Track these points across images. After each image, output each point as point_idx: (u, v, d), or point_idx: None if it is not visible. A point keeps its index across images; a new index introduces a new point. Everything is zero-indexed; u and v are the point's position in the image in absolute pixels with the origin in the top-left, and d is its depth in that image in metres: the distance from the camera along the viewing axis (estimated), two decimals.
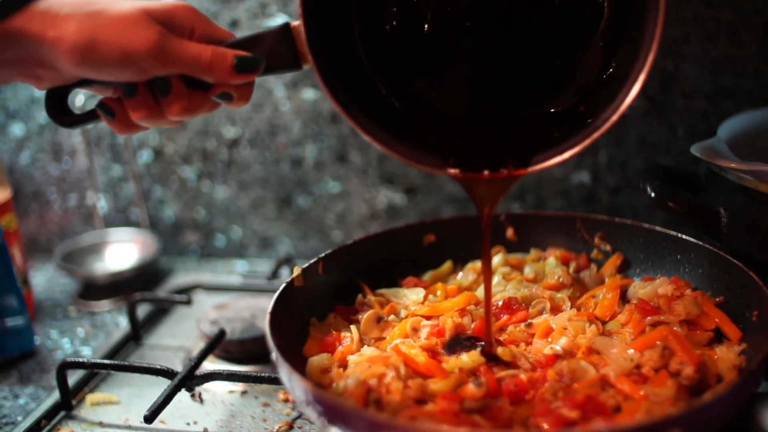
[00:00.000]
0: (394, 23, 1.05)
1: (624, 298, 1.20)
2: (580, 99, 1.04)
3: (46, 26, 0.88)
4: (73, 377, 1.33)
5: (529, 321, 1.15)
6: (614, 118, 0.97)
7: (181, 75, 0.94)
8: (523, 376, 1.00)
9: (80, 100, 1.71)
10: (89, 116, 1.02)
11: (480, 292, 1.25)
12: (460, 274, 1.33)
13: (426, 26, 1.05)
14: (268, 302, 1.09)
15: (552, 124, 1.05)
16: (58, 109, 1.03)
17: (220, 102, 0.98)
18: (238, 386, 1.31)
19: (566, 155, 0.98)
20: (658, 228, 1.27)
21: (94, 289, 1.78)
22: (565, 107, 1.05)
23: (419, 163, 1.02)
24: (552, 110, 1.06)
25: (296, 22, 0.97)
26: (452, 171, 1.02)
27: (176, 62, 0.91)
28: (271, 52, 0.98)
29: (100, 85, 1.00)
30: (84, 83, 0.98)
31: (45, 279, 1.89)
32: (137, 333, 1.52)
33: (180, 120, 0.99)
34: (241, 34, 1.02)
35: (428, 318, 1.17)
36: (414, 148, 1.03)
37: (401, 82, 1.07)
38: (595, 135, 0.97)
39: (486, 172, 1.02)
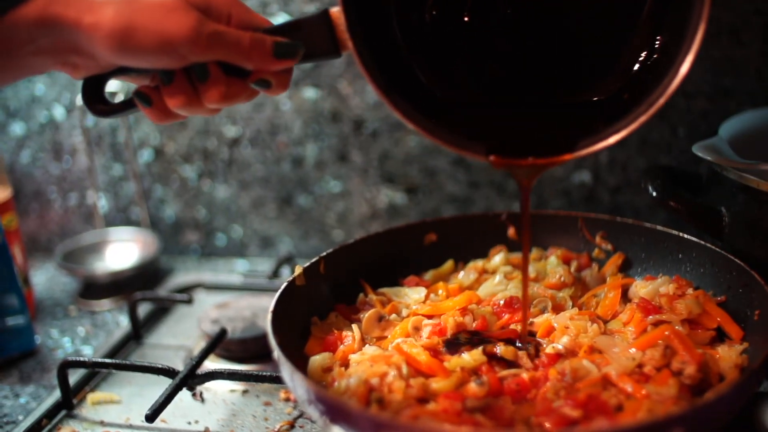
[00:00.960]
0: (434, 11, 1.05)
1: (625, 297, 1.20)
2: (624, 86, 1.03)
3: (82, 12, 0.86)
4: (74, 376, 1.33)
5: (530, 320, 1.15)
6: (661, 101, 0.95)
7: (219, 62, 0.93)
8: (525, 375, 1.00)
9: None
10: (126, 105, 1.01)
11: (481, 291, 1.26)
12: (462, 274, 1.33)
13: (466, 13, 1.05)
14: (269, 301, 1.09)
15: (596, 110, 1.05)
16: (95, 98, 1.01)
17: (258, 89, 0.97)
18: (240, 385, 1.31)
19: (612, 140, 0.97)
20: (659, 227, 1.27)
21: (94, 289, 1.77)
22: (609, 95, 1.05)
23: (462, 149, 1.01)
24: (596, 98, 1.06)
25: (335, 9, 0.96)
26: (494, 158, 1.01)
27: (215, 48, 0.89)
28: (309, 39, 0.96)
29: (137, 74, 0.98)
30: (120, 72, 0.97)
31: (45, 278, 1.89)
32: (138, 332, 1.52)
33: (218, 108, 0.97)
34: None
35: (430, 317, 1.17)
36: (455, 134, 1.01)
37: (441, 69, 1.07)
38: (642, 119, 0.96)
39: (530, 159, 1.01)
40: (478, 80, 1.09)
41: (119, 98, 1.05)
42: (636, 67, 1.03)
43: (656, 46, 1.02)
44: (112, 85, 1.38)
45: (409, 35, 1.05)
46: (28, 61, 0.91)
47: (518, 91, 1.09)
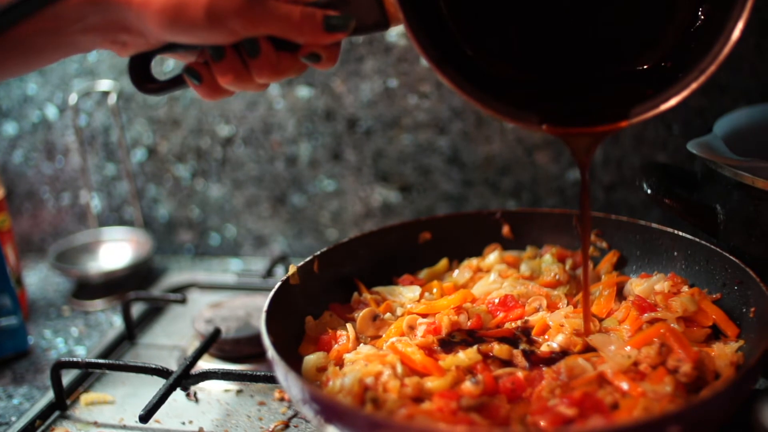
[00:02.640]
0: None
1: (620, 295, 1.20)
2: (673, 54, 1.04)
3: None
4: (68, 377, 1.32)
5: (525, 318, 1.15)
6: (712, 68, 0.95)
7: (269, 36, 0.92)
8: (520, 374, 1.00)
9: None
10: (174, 82, 1.00)
11: (476, 289, 1.25)
12: (456, 272, 1.33)
13: None
14: (263, 301, 1.09)
15: (645, 79, 1.05)
16: (142, 76, 1.00)
17: (308, 63, 0.96)
18: (234, 385, 1.30)
19: (664, 107, 0.97)
20: (654, 225, 1.26)
21: (88, 289, 1.77)
22: (657, 63, 1.05)
23: (516, 119, 1.01)
24: (644, 66, 1.06)
25: None
26: (547, 127, 1.01)
27: (266, 23, 0.89)
28: (358, 11, 0.95)
29: (185, 50, 0.98)
30: (168, 48, 0.96)
31: (38, 278, 1.88)
32: (132, 332, 1.51)
33: (267, 84, 0.97)
34: None
35: (424, 316, 1.16)
36: (508, 105, 1.01)
37: (487, 42, 1.07)
38: (694, 85, 0.96)
39: (584, 128, 1.01)
40: (525, 53, 1.09)
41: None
42: (683, 34, 1.03)
43: (702, 12, 1.01)
44: (104, 85, 1.37)
45: (456, 7, 1.04)
46: (76, 39, 0.91)
47: (566, 62, 1.09)
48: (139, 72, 1.00)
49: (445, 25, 1.04)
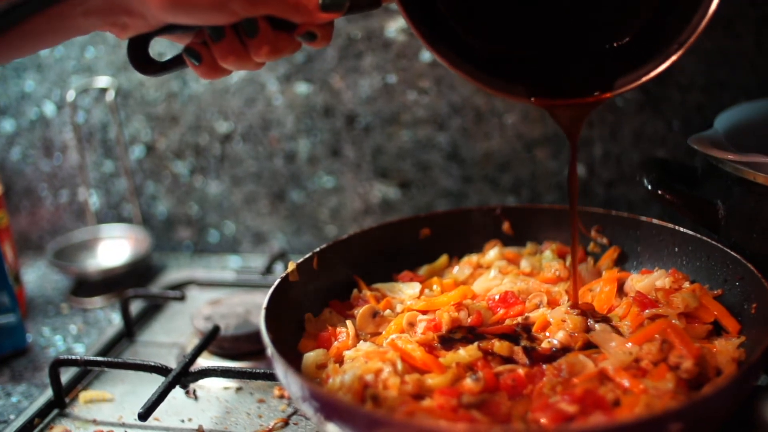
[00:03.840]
0: None
1: (621, 291, 1.20)
2: (652, 28, 1.07)
3: None
4: (66, 375, 1.32)
5: (526, 315, 1.15)
6: (691, 40, 0.99)
7: (267, 16, 0.94)
8: (520, 371, 0.99)
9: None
10: (174, 63, 1.02)
11: (476, 286, 1.25)
12: (456, 268, 1.33)
13: None
14: (262, 298, 1.08)
15: (627, 53, 1.08)
16: (141, 58, 1.02)
17: (304, 42, 0.98)
18: (233, 383, 1.30)
19: (644, 79, 1.02)
20: (655, 220, 1.26)
21: (86, 286, 1.76)
22: (636, 37, 1.08)
23: (505, 92, 1.06)
24: (625, 39, 1.09)
25: None
26: (536, 99, 1.06)
27: (265, 3, 0.91)
28: None
29: (184, 32, 0.99)
30: (167, 30, 0.97)
31: (37, 276, 1.88)
32: (130, 330, 1.51)
33: (264, 62, 0.99)
34: None
35: (424, 312, 1.16)
36: (498, 79, 1.06)
37: (475, 18, 1.10)
38: (674, 57, 1.00)
39: (570, 99, 1.06)
40: (511, 29, 1.12)
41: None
42: (662, 7, 1.06)
43: None
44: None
45: None
46: (77, 21, 0.92)
47: (551, 37, 1.13)
48: (138, 54, 1.01)
49: (436, 3, 1.07)
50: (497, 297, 1.18)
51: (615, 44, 1.09)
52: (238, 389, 1.29)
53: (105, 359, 1.29)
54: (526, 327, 1.12)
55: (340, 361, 1.08)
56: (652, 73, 1.02)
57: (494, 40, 1.11)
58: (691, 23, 1.00)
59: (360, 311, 1.18)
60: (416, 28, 0.99)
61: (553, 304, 1.17)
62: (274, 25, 0.95)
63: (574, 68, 1.11)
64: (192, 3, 0.88)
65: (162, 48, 1.69)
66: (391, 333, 1.12)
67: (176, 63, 1.02)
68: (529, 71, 1.10)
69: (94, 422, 1.23)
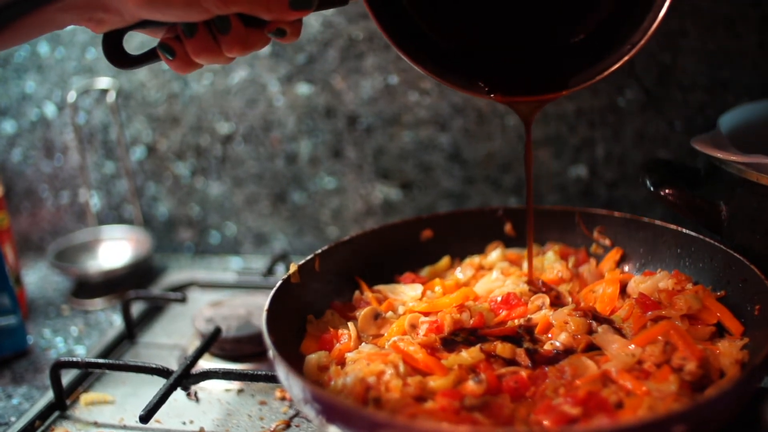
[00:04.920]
0: None
1: (624, 293, 1.19)
2: (607, 26, 1.12)
3: None
4: (67, 377, 1.32)
5: (528, 316, 1.14)
6: (642, 41, 1.05)
7: (238, 13, 0.96)
8: (523, 373, 0.99)
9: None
10: (147, 57, 1.04)
11: (478, 287, 1.25)
12: (458, 270, 1.32)
13: None
14: (264, 299, 1.08)
15: (584, 50, 1.13)
16: (116, 51, 1.04)
17: (274, 38, 1.01)
18: (235, 385, 1.30)
19: (598, 77, 1.08)
20: (658, 222, 1.26)
21: (87, 288, 1.76)
22: (592, 33, 1.13)
23: (467, 89, 1.13)
24: (581, 36, 1.14)
25: None
26: (496, 96, 1.12)
27: (238, 1, 0.93)
28: None
29: (158, 26, 1.01)
30: (141, 25, 0.99)
31: (38, 277, 1.87)
32: (132, 331, 1.50)
33: (235, 57, 1.02)
34: None
35: (426, 314, 1.15)
36: (460, 76, 1.12)
37: (438, 15, 1.14)
38: (626, 57, 1.06)
39: (528, 96, 1.13)
40: (474, 25, 1.16)
41: None
42: (617, 7, 1.11)
43: None
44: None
45: None
46: (53, 16, 0.93)
47: (512, 35, 1.17)
48: (113, 48, 1.03)
49: (402, 4, 1.11)
50: (499, 299, 1.18)
51: (571, 41, 1.14)
52: (240, 391, 1.28)
53: (106, 361, 1.28)
54: (529, 329, 1.12)
55: (341, 363, 1.07)
56: (606, 72, 1.07)
57: (457, 35, 1.15)
58: (643, 25, 1.05)
59: (362, 313, 1.17)
60: (380, 23, 1.03)
61: (555, 305, 1.17)
62: (245, 22, 0.98)
63: (532, 64, 1.16)
64: (166, 1, 0.90)
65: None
66: (393, 335, 1.12)
67: (150, 57, 1.04)
68: (489, 68, 1.15)
69: (95, 424, 1.23)
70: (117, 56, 1.04)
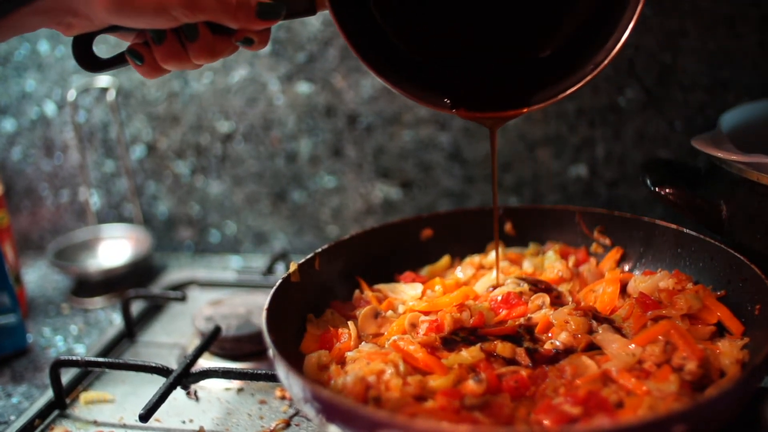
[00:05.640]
0: None
1: (624, 292, 1.19)
2: (573, 44, 1.13)
3: None
4: (67, 375, 1.32)
5: (528, 316, 1.14)
6: (606, 62, 1.06)
7: (207, 21, 0.98)
8: (523, 372, 0.99)
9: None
10: (116, 61, 1.06)
11: (478, 286, 1.25)
12: (458, 269, 1.32)
13: None
14: (264, 298, 1.08)
15: (549, 67, 1.14)
16: (85, 55, 1.05)
17: (242, 46, 1.03)
18: (234, 383, 1.29)
19: (560, 96, 1.09)
20: (658, 221, 1.25)
21: (87, 286, 1.76)
22: (558, 50, 1.15)
23: (429, 103, 1.13)
24: (547, 53, 1.15)
25: None
26: (459, 111, 1.13)
27: (205, 10, 0.95)
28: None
29: (128, 31, 1.02)
30: (110, 30, 1.00)
31: (37, 276, 1.87)
32: (131, 330, 1.50)
33: (203, 64, 1.03)
34: None
35: (426, 313, 1.15)
36: (424, 90, 1.12)
37: (408, 28, 1.15)
38: (588, 77, 1.07)
39: (491, 113, 1.14)
40: (440, 38, 1.17)
41: None
42: (582, 26, 1.13)
43: (600, 8, 1.10)
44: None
45: None
46: (24, 20, 0.94)
47: (479, 50, 1.18)
48: (83, 51, 1.05)
49: (370, 14, 1.12)
50: (499, 298, 1.18)
51: (536, 57, 1.15)
52: (240, 390, 1.28)
53: (106, 360, 1.28)
54: (529, 328, 1.11)
55: (341, 362, 1.07)
56: (568, 91, 1.08)
57: (424, 45, 1.16)
58: (606, 45, 1.06)
59: (362, 312, 1.17)
60: (344, 31, 1.04)
61: (555, 305, 1.17)
62: (213, 30, 1.00)
63: (495, 80, 1.17)
64: (135, 8, 0.92)
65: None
66: (393, 334, 1.12)
67: (119, 61, 1.06)
68: (453, 82, 1.16)
69: (95, 423, 1.23)
70: (86, 59, 1.06)
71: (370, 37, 1.11)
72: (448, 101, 1.13)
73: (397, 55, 1.14)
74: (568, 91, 1.08)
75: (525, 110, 1.12)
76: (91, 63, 1.06)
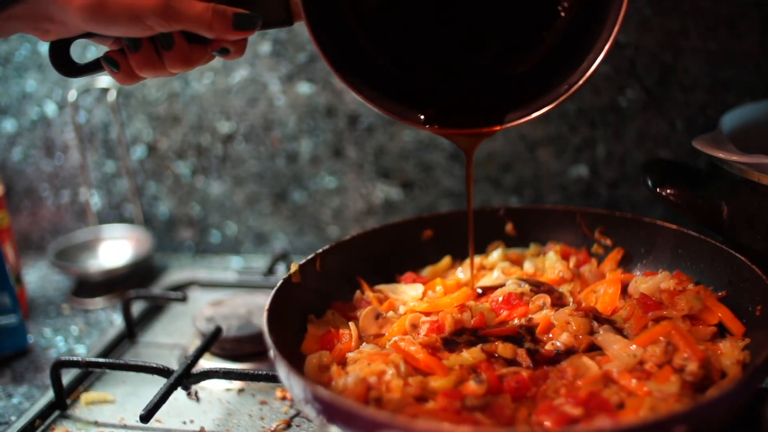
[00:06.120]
0: None
1: (625, 293, 1.19)
2: (548, 62, 1.13)
3: None
4: (68, 376, 1.32)
5: (529, 316, 1.14)
6: (580, 82, 1.06)
7: (183, 31, 0.98)
8: (524, 373, 0.99)
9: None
10: (93, 66, 1.06)
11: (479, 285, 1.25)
12: (459, 270, 1.32)
13: None
14: (264, 299, 1.08)
15: (524, 85, 1.14)
16: (62, 60, 1.06)
17: (218, 56, 1.04)
18: (235, 384, 1.29)
19: (534, 115, 1.09)
20: (659, 222, 1.25)
21: (87, 287, 1.76)
22: (532, 68, 1.15)
23: (403, 118, 1.12)
24: (521, 71, 1.16)
25: None
26: (431, 127, 1.13)
27: (180, 20, 0.95)
28: (266, 10, 1.03)
29: (104, 38, 1.03)
30: (88, 35, 1.00)
31: (38, 276, 1.87)
32: (132, 331, 1.50)
33: (179, 72, 1.04)
34: None
35: (427, 314, 1.15)
36: (398, 105, 1.13)
37: (385, 40, 1.15)
38: (562, 98, 1.08)
39: (463, 130, 1.14)
40: (415, 51, 1.17)
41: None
42: (558, 44, 1.13)
43: (577, 27, 1.11)
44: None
45: (356, 7, 1.13)
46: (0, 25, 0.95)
47: (456, 65, 1.19)
48: (59, 56, 1.06)
49: (347, 24, 1.13)
50: (500, 298, 1.18)
51: (511, 74, 1.16)
52: (240, 391, 1.28)
53: (106, 360, 1.28)
54: (530, 329, 1.11)
55: (342, 362, 1.07)
56: (541, 111, 1.09)
57: (400, 60, 1.16)
58: (582, 65, 1.06)
59: (363, 313, 1.17)
60: (320, 47, 1.05)
61: (556, 305, 1.17)
62: (188, 39, 1.00)
63: (469, 97, 1.17)
64: (110, 17, 0.92)
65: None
66: (394, 335, 1.12)
67: (95, 67, 1.06)
68: (427, 99, 1.16)
69: (96, 424, 1.23)
70: (63, 64, 1.06)
71: (346, 49, 1.11)
72: (422, 117, 1.13)
73: (372, 69, 1.14)
74: (542, 111, 1.09)
75: (498, 128, 1.12)
76: (67, 68, 1.06)
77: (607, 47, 1.04)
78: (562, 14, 1.12)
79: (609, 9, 1.04)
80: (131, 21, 0.93)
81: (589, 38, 1.07)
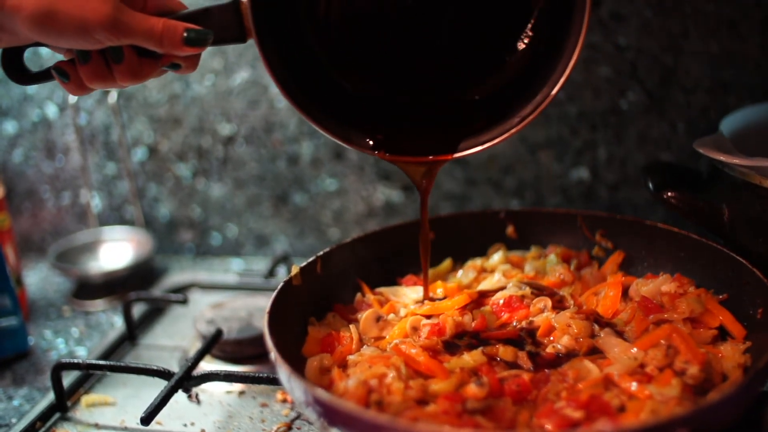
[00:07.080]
0: (334, 7, 1.14)
1: (626, 296, 1.19)
2: (502, 90, 1.14)
3: None
4: (68, 378, 1.32)
5: (530, 319, 1.14)
6: (532, 116, 1.07)
7: (132, 45, 0.98)
8: (525, 376, 0.99)
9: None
10: (44, 75, 1.07)
11: (479, 288, 1.24)
12: (460, 272, 1.32)
13: (363, 10, 1.14)
14: (265, 301, 1.08)
15: (477, 113, 1.15)
16: (14, 67, 1.06)
17: (169, 70, 1.04)
18: (236, 387, 1.29)
19: (486, 145, 1.10)
20: (660, 225, 1.25)
21: (88, 289, 1.76)
22: (487, 95, 1.16)
23: (351, 143, 1.12)
24: (476, 97, 1.16)
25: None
26: (380, 154, 1.13)
27: (129, 35, 0.95)
28: (219, 26, 1.02)
29: (55, 47, 1.03)
30: (39, 44, 1.01)
31: (39, 278, 1.87)
32: (133, 333, 1.50)
33: (130, 85, 1.03)
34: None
35: (428, 317, 1.15)
36: (346, 130, 1.13)
37: (341, 60, 1.16)
38: (513, 130, 1.09)
39: (412, 157, 1.14)
40: (372, 73, 1.18)
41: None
42: (514, 74, 1.13)
43: (535, 58, 1.11)
44: None
45: (312, 27, 1.13)
46: None
47: (411, 90, 1.19)
48: (11, 63, 1.06)
49: (301, 43, 1.12)
50: (501, 301, 1.18)
51: (464, 102, 1.16)
52: (241, 393, 1.28)
53: (107, 363, 1.28)
54: (531, 332, 1.11)
55: (343, 365, 1.07)
56: (493, 141, 1.10)
57: (355, 82, 1.17)
58: (535, 98, 1.07)
59: (363, 315, 1.17)
60: (269, 66, 1.04)
61: (557, 308, 1.16)
62: (139, 53, 1.00)
63: (422, 125, 1.18)
64: (58, 29, 0.92)
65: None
66: (395, 337, 1.12)
67: (47, 76, 1.06)
68: (379, 124, 1.16)
69: (96, 426, 1.23)
70: (15, 72, 1.07)
71: (299, 70, 1.11)
72: (371, 143, 1.13)
73: (325, 91, 1.14)
74: (493, 142, 1.09)
75: (449, 157, 1.13)
76: (19, 75, 1.07)
77: (562, 80, 1.04)
78: (522, 44, 1.12)
79: (566, 42, 1.04)
80: (80, 34, 0.92)
81: (547, 70, 1.07)
